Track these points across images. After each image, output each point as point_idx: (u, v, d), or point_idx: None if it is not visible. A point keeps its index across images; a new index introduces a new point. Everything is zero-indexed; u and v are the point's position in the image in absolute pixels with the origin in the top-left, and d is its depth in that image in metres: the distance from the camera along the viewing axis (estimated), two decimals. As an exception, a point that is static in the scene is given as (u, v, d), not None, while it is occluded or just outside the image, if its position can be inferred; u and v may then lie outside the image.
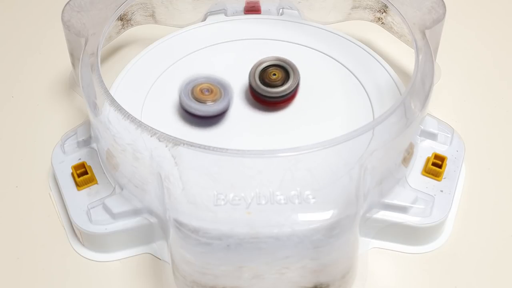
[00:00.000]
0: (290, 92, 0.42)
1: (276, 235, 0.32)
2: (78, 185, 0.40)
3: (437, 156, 0.41)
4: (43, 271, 0.39)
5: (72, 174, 0.40)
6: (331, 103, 0.44)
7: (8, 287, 0.38)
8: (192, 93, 0.41)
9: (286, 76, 0.43)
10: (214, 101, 0.41)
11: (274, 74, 0.43)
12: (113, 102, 0.37)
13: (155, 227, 0.38)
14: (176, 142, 0.35)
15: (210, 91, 0.41)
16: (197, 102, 0.41)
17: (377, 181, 0.37)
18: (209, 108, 0.41)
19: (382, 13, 0.49)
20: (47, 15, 0.56)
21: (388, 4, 0.45)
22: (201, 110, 0.41)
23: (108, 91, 0.38)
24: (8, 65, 0.52)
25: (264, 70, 0.43)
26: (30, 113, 0.48)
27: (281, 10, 0.51)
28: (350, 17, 0.50)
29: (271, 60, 0.43)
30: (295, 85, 0.43)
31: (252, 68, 0.43)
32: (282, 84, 0.42)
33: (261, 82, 0.42)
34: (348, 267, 0.35)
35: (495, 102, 0.48)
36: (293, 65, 0.43)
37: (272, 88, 0.42)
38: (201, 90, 0.41)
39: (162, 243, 0.38)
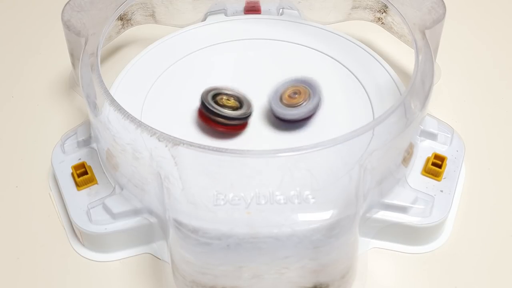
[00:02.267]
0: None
1: (276, 235, 0.32)
2: (78, 185, 0.40)
3: (437, 156, 0.41)
4: (43, 271, 0.39)
5: (72, 174, 0.40)
6: (331, 103, 0.44)
7: (8, 287, 0.38)
8: (281, 100, 0.41)
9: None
10: (305, 101, 0.41)
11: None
12: (113, 102, 0.37)
13: (155, 227, 0.38)
14: (176, 142, 0.35)
15: (298, 93, 0.41)
16: (287, 108, 0.41)
17: (377, 181, 0.37)
18: (301, 110, 0.41)
19: (382, 13, 0.49)
20: (47, 15, 0.56)
21: (388, 4, 0.45)
22: (293, 114, 0.41)
23: (108, 91, 0.38)
24: (8, 65, 0.52)
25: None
26: (30, 113, 0.48)
27: (281, 10, 0.51)
28: (350, 17, 0.50)
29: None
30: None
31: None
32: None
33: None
34: (348, 267, 0.35)
35: (495, 102, 0.48)
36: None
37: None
38: (289, 95, 0.41)
39: (162, 243, 0.38)
